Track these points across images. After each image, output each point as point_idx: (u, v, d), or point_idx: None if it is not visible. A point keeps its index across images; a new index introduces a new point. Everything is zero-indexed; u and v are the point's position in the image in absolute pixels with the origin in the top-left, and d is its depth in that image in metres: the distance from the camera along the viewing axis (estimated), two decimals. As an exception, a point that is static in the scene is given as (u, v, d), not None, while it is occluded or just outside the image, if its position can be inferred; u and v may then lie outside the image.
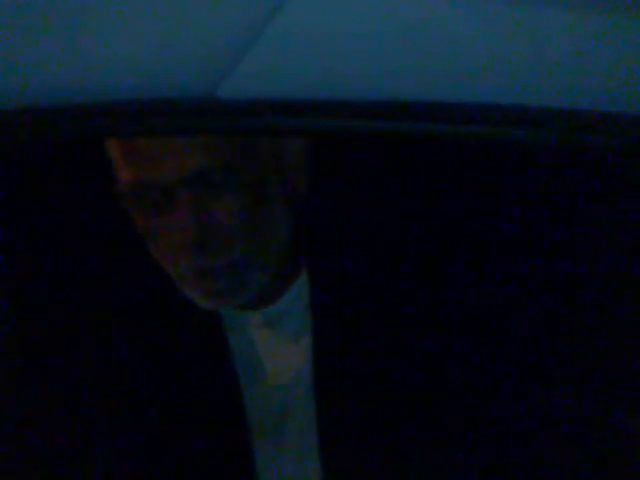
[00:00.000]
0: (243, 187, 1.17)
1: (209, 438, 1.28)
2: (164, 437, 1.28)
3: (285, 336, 1.29)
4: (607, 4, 0.70)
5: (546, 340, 1.31)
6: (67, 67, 0.75)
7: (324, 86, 0.74)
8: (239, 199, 1.17)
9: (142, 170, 1.15)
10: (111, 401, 1.29)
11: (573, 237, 1.35)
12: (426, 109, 0.70)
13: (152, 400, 1.28)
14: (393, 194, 1.31)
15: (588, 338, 1.32)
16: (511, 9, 0.68)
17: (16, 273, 1.37)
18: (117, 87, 0.79)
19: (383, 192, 1.30)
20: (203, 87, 0.77)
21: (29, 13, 0.69)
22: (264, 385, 1.30)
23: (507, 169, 1.34)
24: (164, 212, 1.17)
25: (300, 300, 1.29)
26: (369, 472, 1.27)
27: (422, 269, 1.27)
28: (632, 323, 1.32)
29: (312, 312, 1.27)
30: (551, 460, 1.27)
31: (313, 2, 0.68)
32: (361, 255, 1.28)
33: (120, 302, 1.31)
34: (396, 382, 1.26)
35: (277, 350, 1.29)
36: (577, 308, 1.33)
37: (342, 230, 1.29)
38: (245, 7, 0.71)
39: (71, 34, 0.72)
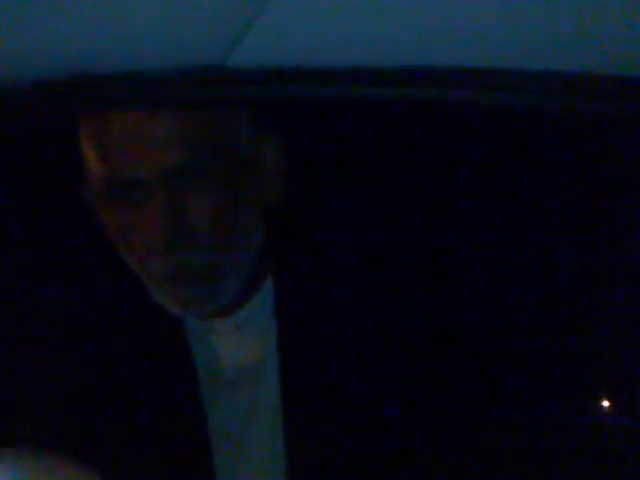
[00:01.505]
0: (218, 187, 1.17)
1: (168, 444, 1.27)
2: (124, 443, 1.27)
3: (249, 342, 1.28)
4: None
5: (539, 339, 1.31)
6: (75, 38, 0.75)
7: (335, 52, 0.73)
8: (214, 199, 1.17)
9: (117, 166, 1.15)
10: (70, 407, 1.28)
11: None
12: (438, 74, 0.70)
13: (112, 406, 1.28)
14: (361, 202, 1.31)
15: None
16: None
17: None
18: (126, 58, 0.79)
19: (351, 198, 1.31)
20: (214, 56, 0.76)
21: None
22: (227, 391, 1.29)
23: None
24: (137, 208, 1.17)
25: (265, 306, 1.28)
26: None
27: (390, 277, 1.28)
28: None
29: (277, 318, 1.27)
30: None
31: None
32: (327, 260, 1.28)
33: (82, 307, 1.30)
34: (364, 387, 1.26)
35: (241, 356, 1.29)
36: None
37: (309, 236, 1.29)
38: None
39: (78, 4, 0.72)
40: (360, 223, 1.30)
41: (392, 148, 1.31)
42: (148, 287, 1.22)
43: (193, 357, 1.28)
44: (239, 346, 1.28)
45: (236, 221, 1.20)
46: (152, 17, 0.75)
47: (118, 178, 1.16)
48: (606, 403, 1.33)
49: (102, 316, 1.29)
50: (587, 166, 1.37)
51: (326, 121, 1.25)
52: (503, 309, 1.30)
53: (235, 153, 1.19)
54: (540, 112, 1.19)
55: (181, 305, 1.21)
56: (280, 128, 1.23)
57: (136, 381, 1.28)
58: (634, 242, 1.33)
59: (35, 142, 1.33)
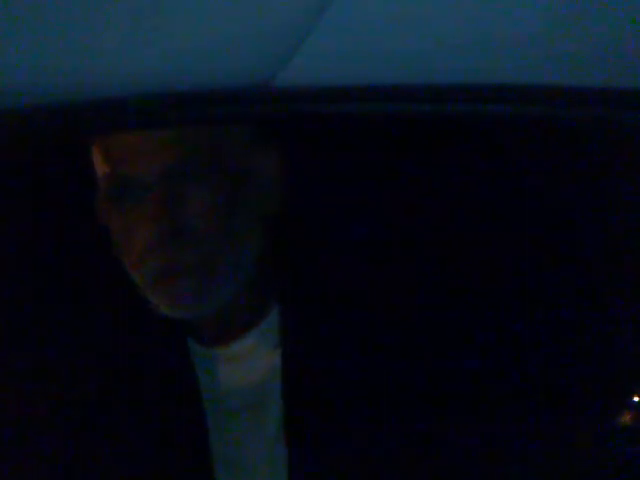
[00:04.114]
0: (215, 189, 1.22)
1: (171, 470, 1.28)
2: (126, 466, 1.28)
3: (253, 370, 1.30)
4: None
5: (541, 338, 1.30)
6: (124, 57, 0.76)
7: (384, 72, 0.74)
8: (210, 200, 1.21)
9: (119, 165, 1.21)
10: (73, 430, 1.29)
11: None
12: (493, 92, 0.70)
13: (116, 430, 1.29)
14: (370, 227, 1.31)
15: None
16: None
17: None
18: (174, 77, 0.80)
19: (358, 225, 1.31)
20: (260, 76, 0.78)
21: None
22: (230, 418, 1.30)
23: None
24: (137, 207, 1.21)
25: (270, 335, 1.30)
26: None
27: (402, 307, 1.28)
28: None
29: (282, 348, 1.28)
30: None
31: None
32: (335, 291, 1.29)
33: (92, 329, 1.31)
34: (368, 418, 1.26)
35: (245, 384, 1.30)
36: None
37: (317, 266, 1.30)
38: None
39: (129, 24, 0.73)
40: (371, 251, 1.30)
41: (431, 165, 1.32)
42: (144, 290, 1.24)
43: (198, 384, 1.30)
44: (243, 374, 1.30)
45: (231, 223, 1.23)
46: (199, 38, 0.77)
47: (120, 177, 1.21)
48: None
49: (108, 342, 1.30)
50: (610, 177, 1.37)
51: (366, 138, 1.26)
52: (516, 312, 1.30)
53: (232, 159, 1.23)
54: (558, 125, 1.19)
55: (172, 303, 1.24)
56: (322, 144, 1.24)
57: (140, 407, 1.29)
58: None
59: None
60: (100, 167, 1.23)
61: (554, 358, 1.29)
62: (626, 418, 1.30)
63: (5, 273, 1.35)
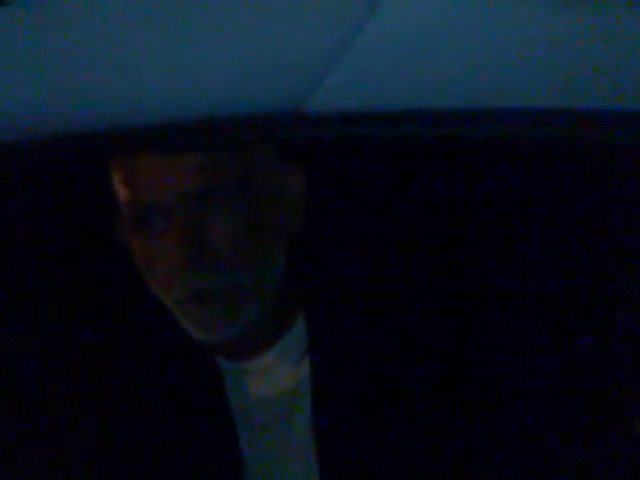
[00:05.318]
0: (239, 212, 1.22)
1: None
2: None
3: (281, 382, 1.31)
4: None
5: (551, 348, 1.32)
6: (162, 82, 0.78)
7: (412, 97, 0.76)
8: (234, 224, 1.21)
9: (141, 191, 1.20)
10: (103, 445, 1.30)
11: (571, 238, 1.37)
12: (524, 117, 0.73)
13: (147, 447, 1.30)
14: (392, 238, 1.33)
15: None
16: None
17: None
18: (206, 102, 0.82)
19: (382, 236, 1.34)
20: (291, 102, 0.80)
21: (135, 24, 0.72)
22: (260, 430, 1.32)
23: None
24: (160, 233, 1.21)
25: (295, 350, 1.31)
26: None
27: (425, 314, 1.30)
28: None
29: (310, 358, 1.30)
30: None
31: (401, 14, 0.70)
32: (360, 299, 1.31)
33: (121, 348, 1.33)
34: (400, 431, 1.28)
35: (273, 396, 1.31)
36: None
37: (341, 279, 1.32)
38: (333, 20, 0.73)
39: (163, 48, 0.75)
40: (394, 264, 1.32)
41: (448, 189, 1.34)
42: (174, 313, 1.25)
43: (227, 399, 1.31)
44: (271, 386, 1.31)
45: (256, 245, 1.24)
46: (230, 63, 0.79)
47: (141, 203, 1.21)
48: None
49: (136, 360, 1.32)
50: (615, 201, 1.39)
51: (391, 161, 1.28)
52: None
53: (256, 181, 1.24)
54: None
55: (204, 328, 1.24)
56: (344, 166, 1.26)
57: (170, 426, 1.30)
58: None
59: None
60: (122, 193, 1.23)
61: (568, 367, 1.31)
62: None
63: (33, 300, 1.36)
